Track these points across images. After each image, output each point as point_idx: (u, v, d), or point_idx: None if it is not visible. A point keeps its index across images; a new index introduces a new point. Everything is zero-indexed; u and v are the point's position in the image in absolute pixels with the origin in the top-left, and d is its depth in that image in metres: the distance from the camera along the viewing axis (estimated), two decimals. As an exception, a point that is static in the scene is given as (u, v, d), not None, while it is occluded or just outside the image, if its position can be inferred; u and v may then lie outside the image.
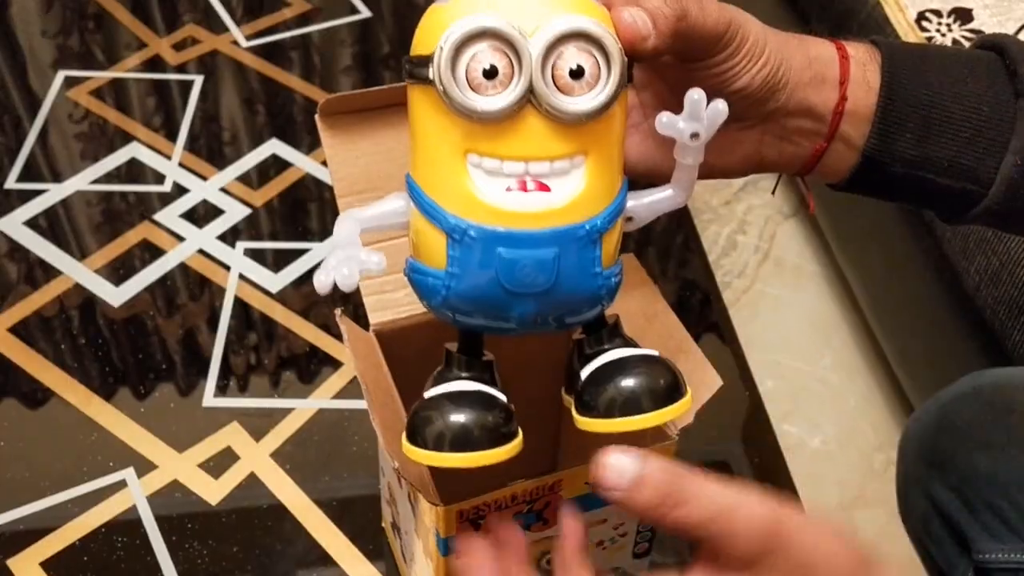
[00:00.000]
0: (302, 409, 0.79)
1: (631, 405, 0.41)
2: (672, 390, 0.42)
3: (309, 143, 1.02)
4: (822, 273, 1.73)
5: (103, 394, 0.80)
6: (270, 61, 1.12)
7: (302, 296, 0.88)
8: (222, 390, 0.81)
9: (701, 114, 0.41)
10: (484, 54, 0.36)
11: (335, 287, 0.38)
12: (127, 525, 0.73)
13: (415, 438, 0.41)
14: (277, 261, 0.91)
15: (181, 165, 0.99)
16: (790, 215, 1.87)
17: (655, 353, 0.43)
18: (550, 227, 0.38)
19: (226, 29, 1.15)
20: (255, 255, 0.91)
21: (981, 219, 0.51)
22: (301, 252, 0.91)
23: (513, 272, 0.39)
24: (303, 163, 1.00)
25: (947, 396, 0.72)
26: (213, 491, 0.75)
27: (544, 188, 0.38)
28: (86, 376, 0.81)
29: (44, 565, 0.70)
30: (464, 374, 0.43)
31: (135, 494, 0.74)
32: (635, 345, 0.44)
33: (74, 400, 0.80)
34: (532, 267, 0.39)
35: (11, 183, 0.97)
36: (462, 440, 0.40)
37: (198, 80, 1.09)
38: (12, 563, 0.70)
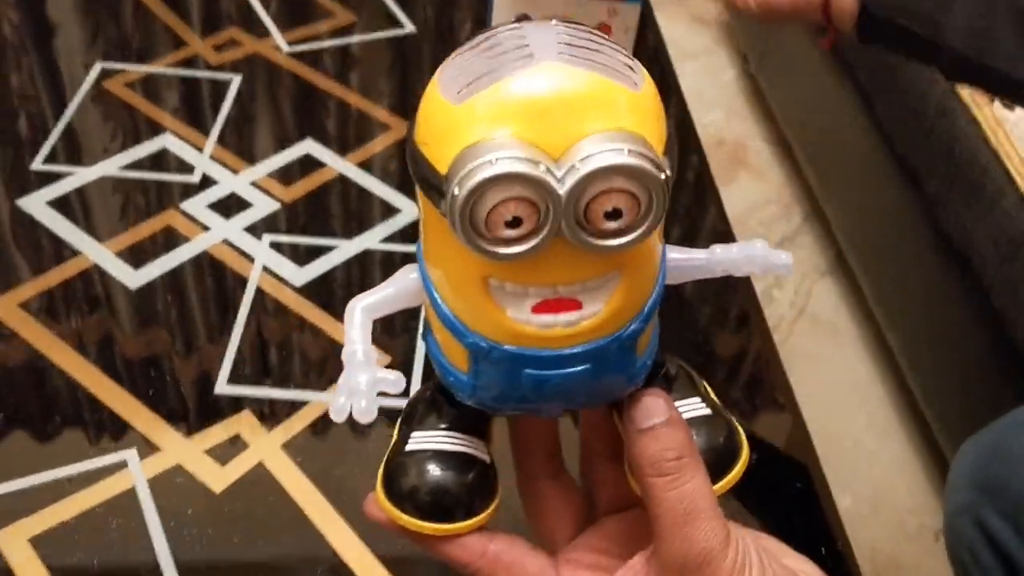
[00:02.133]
0: (318, 402, 0.75)
1: None
2: (732, 454, 0.40)
3: (343, 145, 0.99)
4: (858, 331, 1.68)
5: (112, 374, 0.77)
6: (310, 66, 1.10)
7: (325, 290, 0.84)
8: (236, 378, 0.77)
9: (761, 265, 0.39)
10: (507, 205, 0.31)
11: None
12: (125, 506, 0.68)
13: (390, 489, 0.39)
14: (302, 256, 0.87)
15: (212, 158, 0.97)
16: (827, 272, 1.84)
17: (708, 412, 0.40)
18: (581, 344, 0.35)
19: (268, 34, 1.14)
20: (281, 248, 0.88)
21: (952, 74, 0.62)
22: (328, 249, 0.88)
23: (542, 389, 0.36)
24: (336, 163, 0.97)
25: (1002, 423, 0.69)
26: (218, 478, 0.70)
27: (575, 306, 0.35)
28: (96, 356, 0.78)
29: (32, 541, 0.66)
30: (446, 426, 0.40)
31: (136, 475, 0.70)
32: (687, 384, 0.41)
33: (82, 378, 0.76)
34: (562, 384, 0.36)
35: (37, 164, 0.94)
36: (434, 510, 0.39)
37: (236, 79, 1.07)
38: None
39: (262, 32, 1.14)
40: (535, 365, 0.35)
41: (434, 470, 0.39)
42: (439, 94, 0.33)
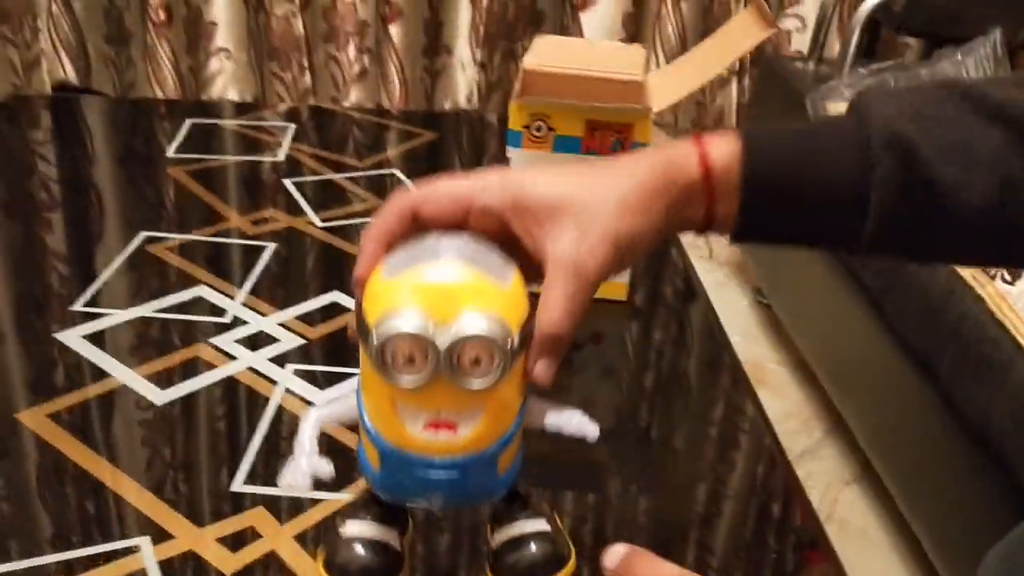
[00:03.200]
0: (333, 500, 0.75)
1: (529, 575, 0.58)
2: (559, 562, 0.59)
3: (369, 297, 1.04)
4: (889, 536, 1.64)
5: (130, 473, 0.77)
6: (340, 237, 1.17)
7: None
8: (253, 479, 0.78)
9: (577, 429, 0.58)
10: (403, 349, 0.49)
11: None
12: None
13: (329, 563, 0.59)
14: (324, 381, 0.90)
15: (243, 304, 1.01)
16: (852, 481, 1.81)
17: (547, 528, 0.59)
18: (456, 455, 0.52)
19: (303, 213, 1.22)
20: (303, 375, 0.90)
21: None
22: (349, 375, 0.91)
23: (427, 486, 0.54)
24: (362, 309, 1.01)
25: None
26: (229, 563, 0.70)
27: (452, 428, 0.51)
28: (115, 457, 0.79)
29: None
30: (372, 517, 0.59)
31: (147, 560, 0.69)
32: (536, 508, 0.60)
33: (101, 475, 0.77)
34: (442, 483, 0.53)
35: (77, 307, 0.99)
36: None
37: (270, 247, 1.13)
38: (4, 608, 0.65)
39: (298, 211, 1.22)
40: (422, 466, 0.52)
41: (359, 552, 0.58)
42: (379, 272, 0.52)
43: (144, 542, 0.71)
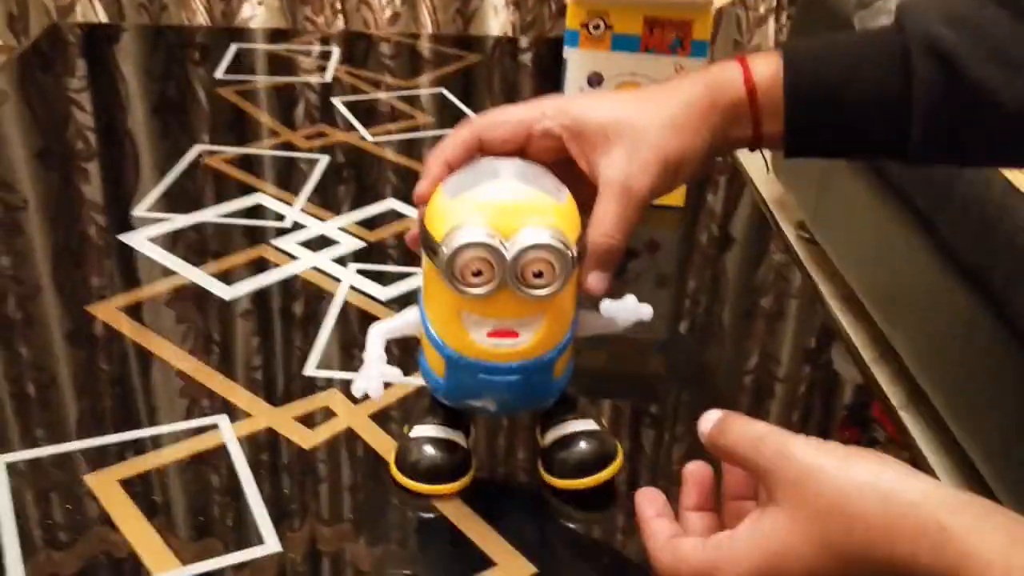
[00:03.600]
0: (404, 384, 0.75)
1: (579, 471, 0.61)
2: (607, 458, 0.62)
3: (426, 203, 1.04)
4: (938, 462, 1.65)
5: (204, 358, 0.78)
6: (391, 149, 1.17)
7: (409, 303, 0.87)
8: (326, 364, 0.78)
9: (634, 313, 0.60)
10: (473, 261, 0.51)
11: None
12: (215, 458, 0.69)
13: (400, 464, 0.63)
14: (387, 279, 0.90)
15: (302, 211, 1.02)
16: (898, 408, 1.80)
17: (595, 428, 0.62)
18: (517, 361, 0.55)
19: (354, 128, 1.22)
20: (366, 273, 0.91)
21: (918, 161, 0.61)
22: (412, 274, 0.91)
23: (490, 389, 0.57)
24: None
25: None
26: (307, 438, 0.71)
27: (514, 335, 0.54)
28: (187, 345, 0.80)
29: (123, 483, 0.66)
30: (438, 421, 0.62)
31: (226, 435, 0.70)
32: (586, 410, 0.63)
33: (175, 360, 0.78)
34: (504, 387, 0.56)
35: (139, 212, 1.00)
36: (428, 477, 0.61)
37: (323, 159, 1.13)
38: (90, 478, 0.66)
39: (348, 127, 1.22)
40: (486, 372, 0.55)
41: (428, 451, 0.61)
42: (441, 192, 0.55)
43: (223, 420, 0.72)
